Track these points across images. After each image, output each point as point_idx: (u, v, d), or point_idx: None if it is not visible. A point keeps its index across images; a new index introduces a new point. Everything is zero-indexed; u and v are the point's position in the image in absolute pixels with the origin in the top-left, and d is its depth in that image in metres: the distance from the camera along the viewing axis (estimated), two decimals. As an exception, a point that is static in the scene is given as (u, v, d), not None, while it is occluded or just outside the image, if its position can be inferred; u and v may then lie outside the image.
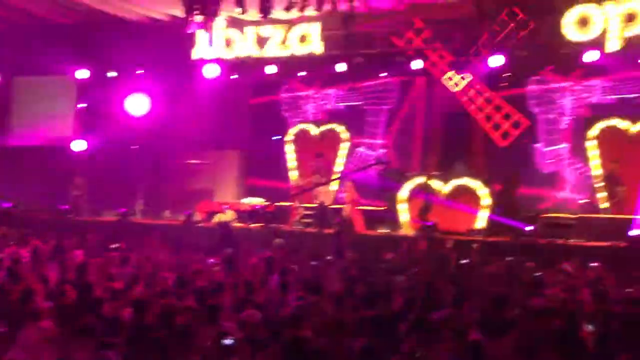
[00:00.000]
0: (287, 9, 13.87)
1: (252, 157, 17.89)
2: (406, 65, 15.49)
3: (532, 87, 15.64)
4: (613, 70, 14.53)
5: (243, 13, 14.02)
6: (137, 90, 17.40)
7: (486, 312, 6.74)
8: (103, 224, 15.38)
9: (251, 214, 15.20)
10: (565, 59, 14.51)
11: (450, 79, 15.37)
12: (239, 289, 8.00)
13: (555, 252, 11.56)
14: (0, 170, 17.90)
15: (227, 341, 5.50)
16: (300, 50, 15.84)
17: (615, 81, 14.96)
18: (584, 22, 13.59)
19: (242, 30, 16.19)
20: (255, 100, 18.06)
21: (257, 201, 16.32)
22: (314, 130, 17.23)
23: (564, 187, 15.40)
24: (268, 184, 17.38)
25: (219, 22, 15.46)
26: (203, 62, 16.33)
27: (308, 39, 15.73)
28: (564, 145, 15.48)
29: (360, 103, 17.17)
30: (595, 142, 14.54)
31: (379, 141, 17.07)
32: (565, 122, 15.52)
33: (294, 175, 17.19)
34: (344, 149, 16.85)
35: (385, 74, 16.26)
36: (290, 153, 17.34)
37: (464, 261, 10.52)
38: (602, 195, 14.25)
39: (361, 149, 17.24)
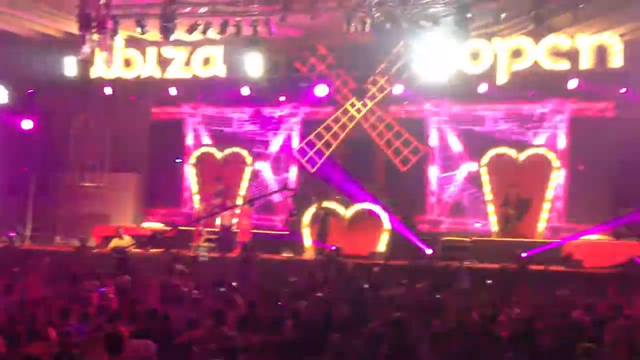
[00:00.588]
0: (189, 31, 13.69)
1: (152, 179, 17.39)
2: (309, 90, 15.69)
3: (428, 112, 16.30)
4: (503, 100, 15.46)
5: (143, 33, 13.67)
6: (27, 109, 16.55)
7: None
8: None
9: (151, 239, 14.71)
10: (459, 89, 15.18)
11: (352, 105, 15.71)
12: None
13: (452, 274, 11.96)
14: None
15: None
16: (204, 72, 15.72)
17: (505, 111, 15.88)
18: (475, 56, 14.35)
19: (143, 51, 15.86)
20: (156, 121, 17.65)
21: (157, 226, 15.77)
22: (217, 153, 17.01)
23: (460, 211, 16.06)
24: (168, 208, 16.93)
25: (118, 41, 15.05)
26: (102, 81, 15.84)
27: (212, 62, 15.63)
28: (458, 171, 16.19)
29: (262, 129, 17.22)
30: (486, 168, 15.27)
31: (282, 165, 17.13)
32: (460, 148, 16.24)
33: (196, 199, 16.88)
34: (247, 172, 16.73)
35: (284, 97, 16.42)
36: (192, 177, 17.02)
37: (366, 286, 10.62)
38: (494, 219, 14.99)
39: (264, 173, 17.22)
